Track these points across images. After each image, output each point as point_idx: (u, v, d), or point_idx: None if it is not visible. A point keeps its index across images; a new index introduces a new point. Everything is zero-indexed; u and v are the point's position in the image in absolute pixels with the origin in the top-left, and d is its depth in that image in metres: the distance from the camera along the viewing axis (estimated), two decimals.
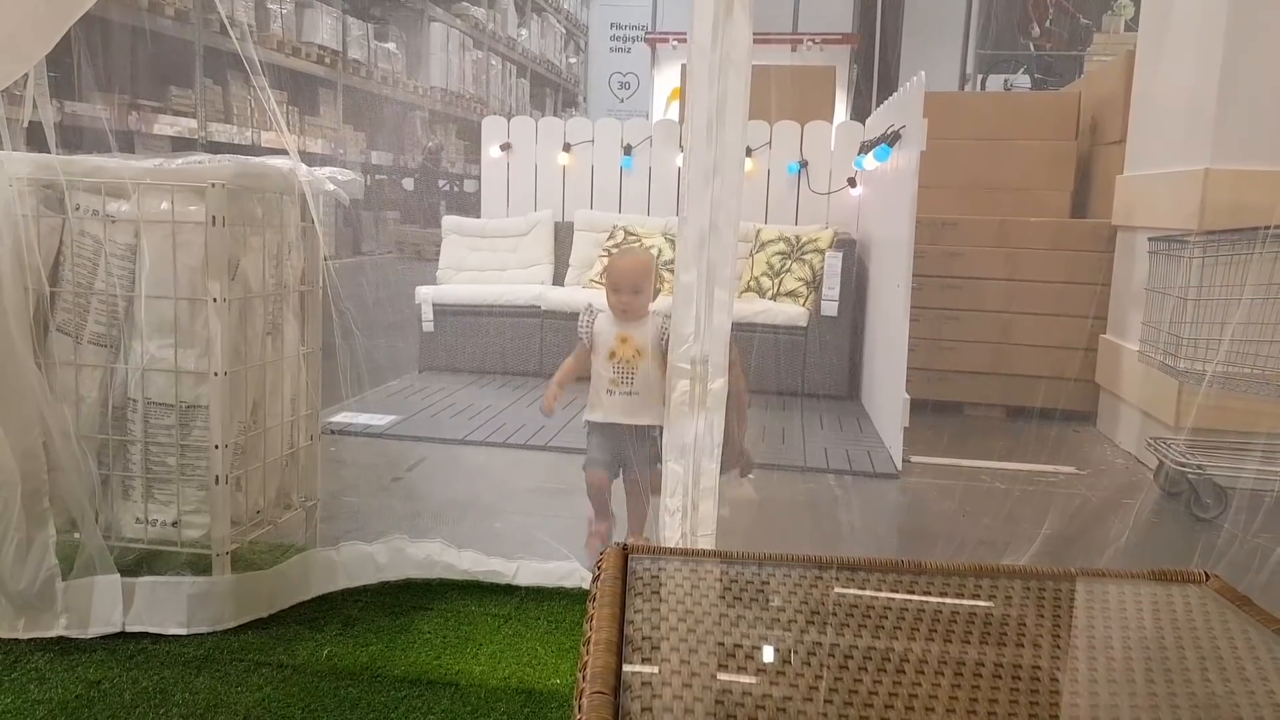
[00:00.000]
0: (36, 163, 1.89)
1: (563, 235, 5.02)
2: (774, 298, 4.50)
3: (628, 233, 4.86)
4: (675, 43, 8.14)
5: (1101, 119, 4.46)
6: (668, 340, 2.01)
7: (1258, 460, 2.90)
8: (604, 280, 2.37)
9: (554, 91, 10.16)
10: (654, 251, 4.79)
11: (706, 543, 1.89)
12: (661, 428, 1.99)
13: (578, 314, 2.36)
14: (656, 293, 2.36)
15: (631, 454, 2.29)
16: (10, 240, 1.85)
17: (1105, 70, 4.64)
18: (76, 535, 1.94)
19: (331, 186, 2.15)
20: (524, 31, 8.80)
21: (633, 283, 2.27)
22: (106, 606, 1.90)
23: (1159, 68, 3.68)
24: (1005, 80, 7.39)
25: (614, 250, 4.85)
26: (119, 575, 1.91)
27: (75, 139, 2.21)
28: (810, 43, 7.66)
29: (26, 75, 1.88)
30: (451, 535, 2.27)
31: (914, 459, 3.39)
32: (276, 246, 2.09)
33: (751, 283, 4.57)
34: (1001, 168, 4.40)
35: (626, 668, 0.79)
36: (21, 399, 1.84)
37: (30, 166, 1.88)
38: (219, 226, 1.87)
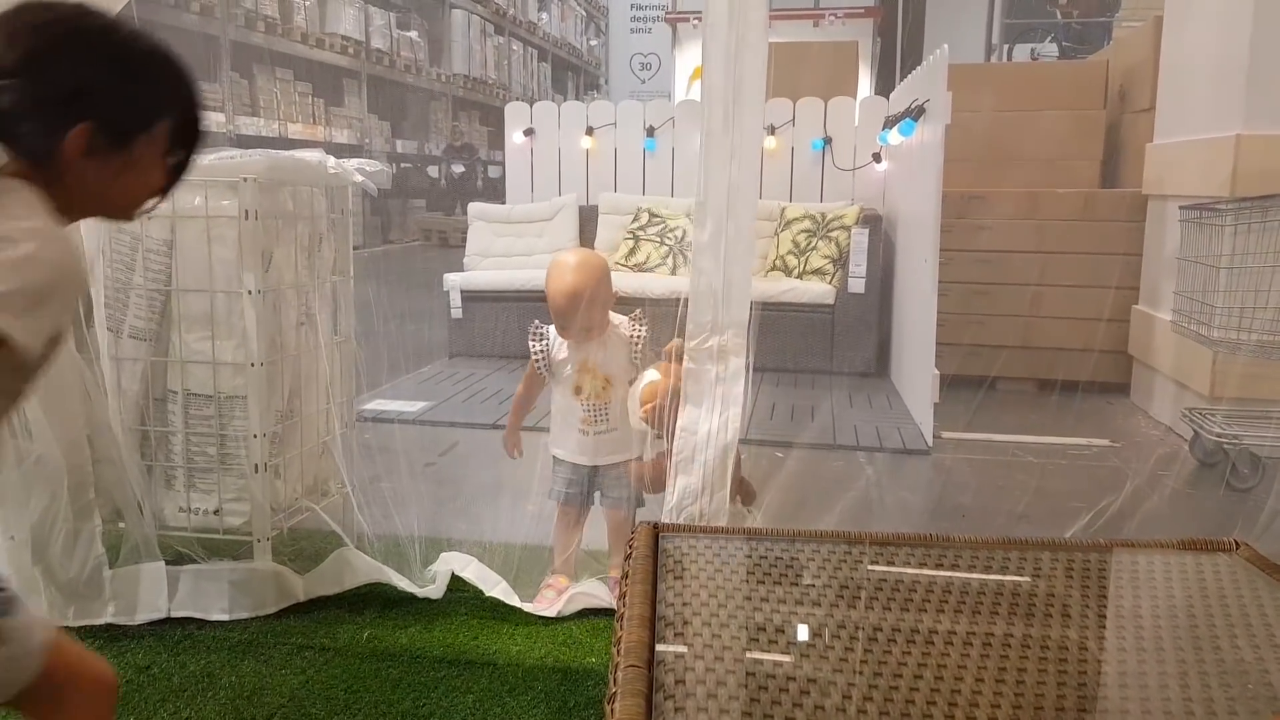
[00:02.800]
0: None
1: (588, 219, 5.04)
2: (800, 276, 4.49)
3: (652, 214, 4.86)
4: (696, 22, 8.08)
5: (1130, 86, 4.38)
6: (641, 348, 1.88)
7: None
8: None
9: (575, 74, 10.15)
10: (678, 233, 4.79)
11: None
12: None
13: None
14: (614, 297, 2.00)
15: (608, 481, 2.03)
16: None
17: (1134, 36, 4.55)
18: (121, 525, 2.00)
19: (360, 178, 2.18)
20: (544, 15, 8.79)
21: (576, 307, 1.90)
22: (152, 593, 1.95)
23: (1188, 32, 3.61)
24: (1032, 49, 7.28)
25: (638, 233, 4.85)
26: (164, 563, 1.96)
27: None
28: (832, 17, 7.57)
29: None
30: (484, 520, 2.30)
31: (945, 435, 3.37)
32: (308, 238, 2.13)
33: (777, 261, 4.56)
34: (1029, 138, 4.34)
35: (659, 645, 0.82)
36: (66, 393, 1.89)
37: None
38: (252, 220, 1.90)
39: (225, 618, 1.94)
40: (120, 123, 0.99)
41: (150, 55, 1.03)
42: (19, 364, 0.88)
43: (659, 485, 1.86)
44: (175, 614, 1.94)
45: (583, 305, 1.90)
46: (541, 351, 2.00)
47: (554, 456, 2.08)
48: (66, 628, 1.89)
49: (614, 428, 1.98)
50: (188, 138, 1.07)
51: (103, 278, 1.97)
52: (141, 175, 1.04)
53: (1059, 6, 7.31)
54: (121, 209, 1.08)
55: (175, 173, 1.08)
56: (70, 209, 0.99)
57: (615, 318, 2.00)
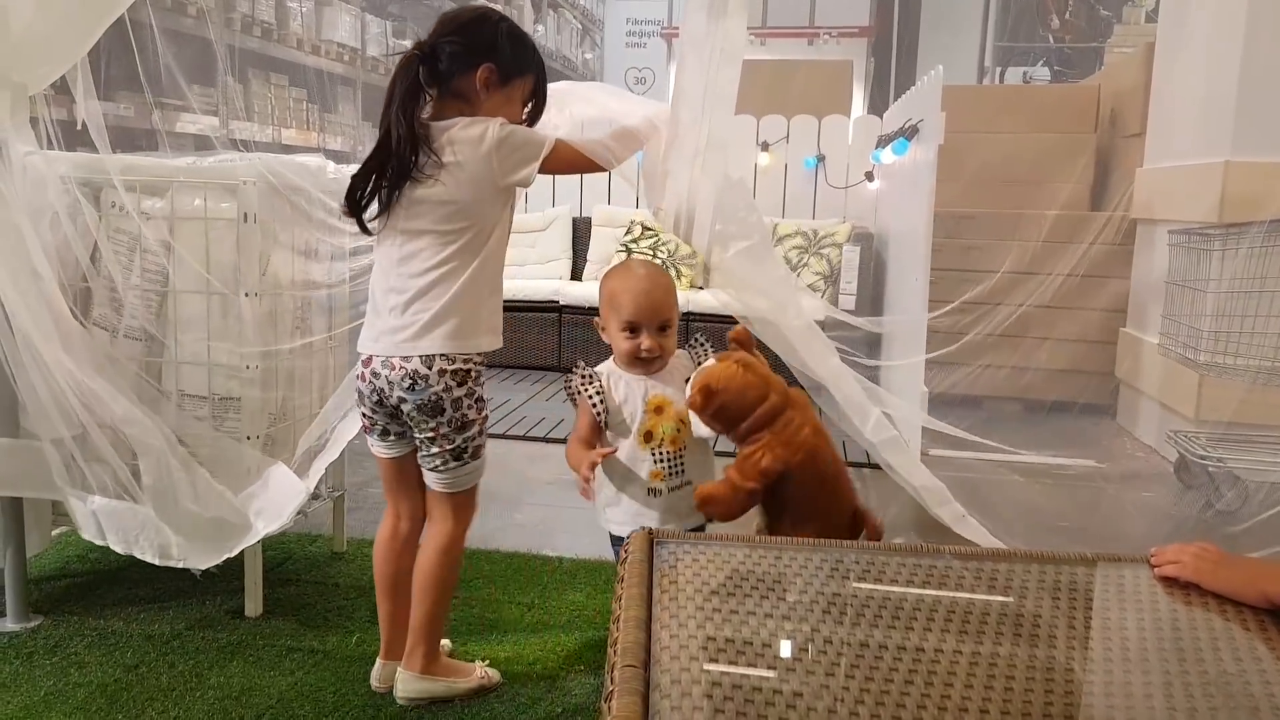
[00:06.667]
0: (75, 161, 1.94)
1: (581, 230, 5.06)
2: None
3: (645, 227, 4.89)
4: None
5: (1121, 111, 4.45)
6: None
7: (1278, 453, 2.90)
8: (605, 317, 1.67)
9: None
10: (670, 247, 4.82)
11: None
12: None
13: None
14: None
15: None
16: (49, 237, 1.90)
17: (1125, 62, 4.62)
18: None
19: None
20: (540, 27, 8.83)
21: (663, 316, 1.63)
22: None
23: (1179, 59, 3.67)
24: (1024, 73, 7.36)
25: (631, 247, 4.87)
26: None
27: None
28: (827, 36, 7.65)
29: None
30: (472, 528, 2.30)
31: (932, 452, 3.40)
32: (305, 242, 2.14)
33: None
34: (1020, 161, 4.40)
35: (655, 645, 0.83)
36: (49, 393, 1.86)
37: (68, 164, 1.93)
38: (250, 223, 1.91)
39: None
40: (507, 68, 1.58)
41: (523, 35, 1.62)
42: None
43: (728, 508, 1.52)
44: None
45: (673, 303, 1.65)
46: (593, 391, 1.63)
47: (613, 536, 1.69)
48: (55, 627, 1.86)
49: (690, 480, 1.63)
50: (539, 92, 1.65)
51: (101, 277, 1.98)
52: (513, 107, 1.61)
53: (1051, 31, 7.41)
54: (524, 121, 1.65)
55: (531, 115, 1.66)
56: None
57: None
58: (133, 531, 1.86)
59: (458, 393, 1.55)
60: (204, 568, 1.84)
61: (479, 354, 1.58)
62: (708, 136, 1.71)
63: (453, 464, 1.60)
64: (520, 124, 1.63)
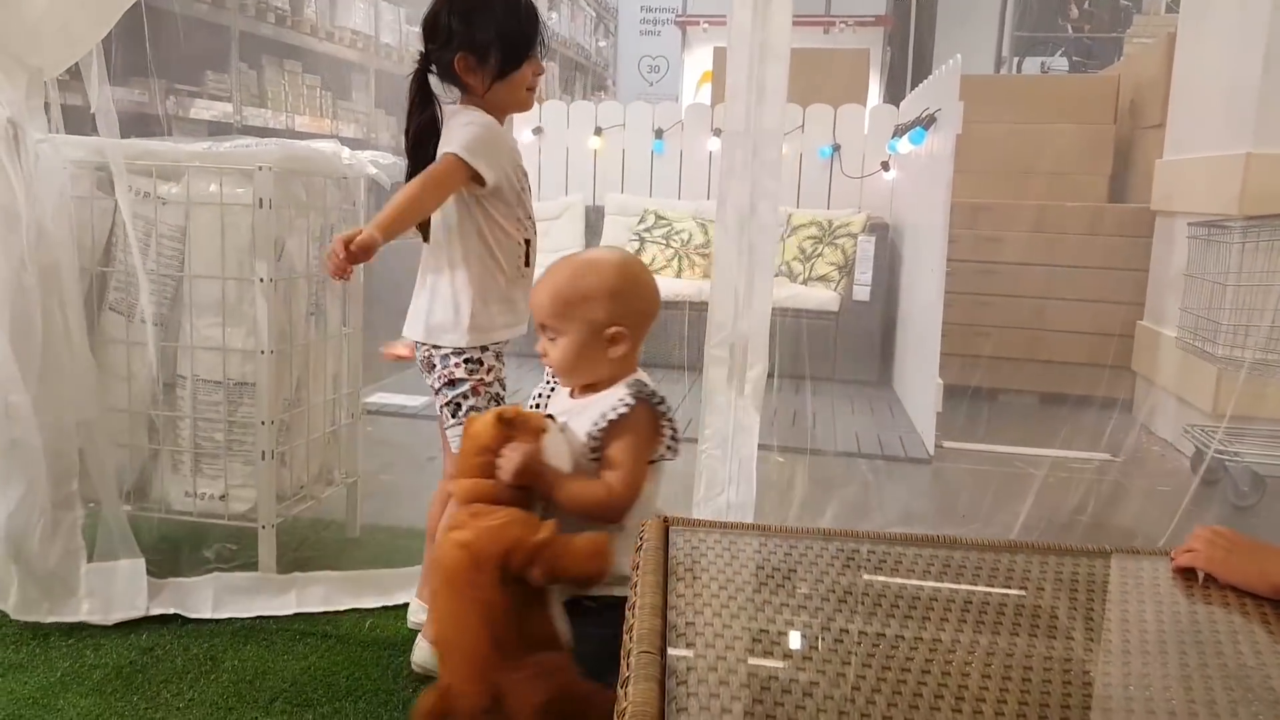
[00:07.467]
0: (90, 146, 1.94)
1: (594, 219, 5.05)
2: (805, 282, 4.50)
3: (658, 216, 4.88)
4: (706, 25, 8.10)
5: (1141, 102, 4.40)
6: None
7: None
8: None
9: (583, 75, 10.17)
10: (684, 236, 4.80)
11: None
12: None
13: None
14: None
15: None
16: (65, 222, 1.90)
17: (1145, 53, 4.57)
18: (128, 508, 1.99)
19: (374, 170, 2.19)
20: (554, 15, 8.80)
21: (540, 316, 1.37)
22: (130, 591, 1.86)
23: (1201, 50, 3.62)
24: (1042, 63, 7.29)
25: (644, 235, 4.85)
26: (144, 560, 1.89)
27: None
28: (843, 25, 7.60)
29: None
30: None
31: (946, 444, 3.38)
32: (320, 228, 2.14)
33: (783, 267, 4.57)
34: (1038, 151, 4.36)
35: (671, 632, 0.83)
36: (62, 378, 1.87)
37: (84, 150, 1.94)
38: (266, 209, 1.92)
39: (209, 615, 1.88)
40: (475, 49, 1.58)
41: (472, 7, 1.58)
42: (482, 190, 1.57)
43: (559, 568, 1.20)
44: (154, 612, 1.87)
45: (556, 316, 1.35)
46: (538, 397, 1.48)
47: (588, 602, 1.27)
48: (38, 624, 1.82)
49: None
50: (508, 47, 1.60)
51: (116, 261, 1.99)
52: (508, 81, 1.61)
53: (1070, 21, 7.34)
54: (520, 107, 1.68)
55: (502, 66, 1.61)
56: (499, 118, 1.64)
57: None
58: None
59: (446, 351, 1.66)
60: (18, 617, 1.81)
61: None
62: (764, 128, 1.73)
63: (450, 421, 1.67)
64: (517, 90, 1.63)
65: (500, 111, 1.65)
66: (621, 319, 1.31)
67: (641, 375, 1.33)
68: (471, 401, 1.67)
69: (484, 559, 1.14)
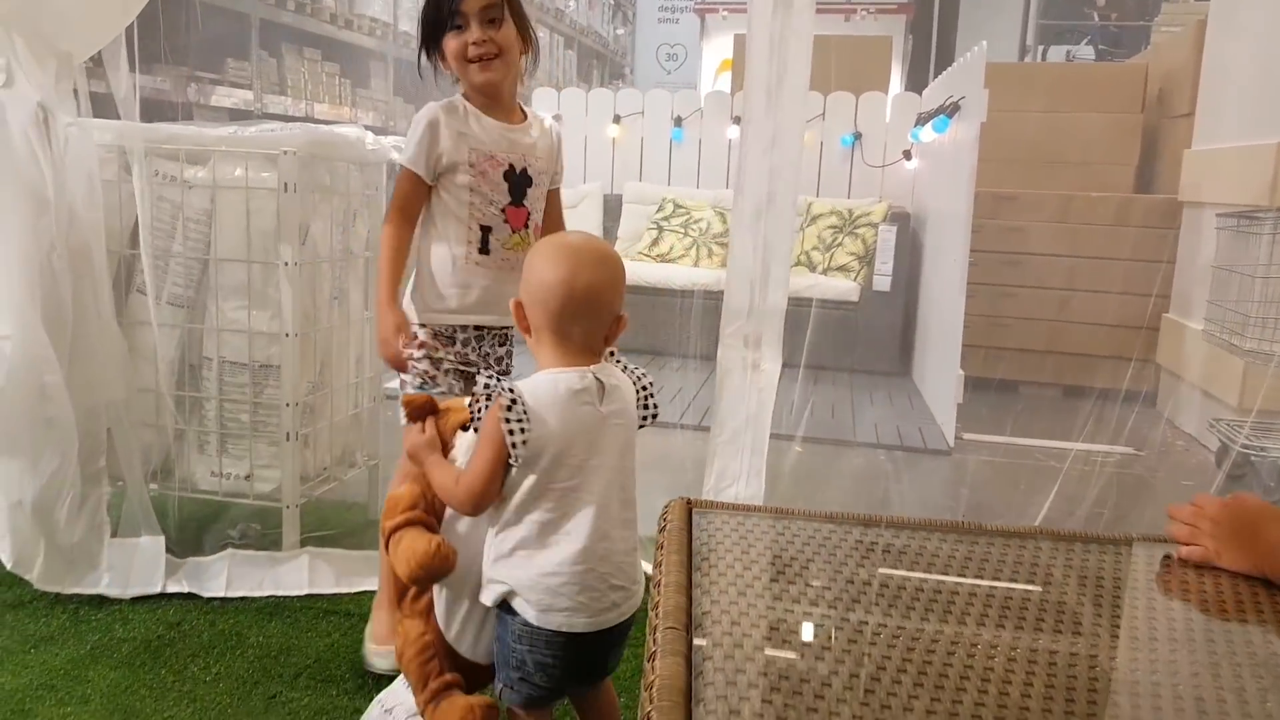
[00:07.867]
0: (118, 130, 1.96)
1: (612, 207, 5.05)
2: (825, 272, 4.48)
3: (677, 205, 4.87)
4: (725, 13, 8.06)
5: (1169, 91, 4.34)
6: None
7: None
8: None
9: (600, 63, 10.14)
10: (702, 224, 4.79)
11: None
12: None
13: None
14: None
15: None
16: (95, 205, 1.93)
17: (1174, 41, 4.50)
18: (153, 487, 2.02)
19: (396, 155, 2.19)
20: (572, 3, 8.78)
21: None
22: (149, 568, 1.91)
23: (1231, 38, 3.57)
24: (1068, 51, 7.20)
25: (662, 223, 4.84)
26: (163, 537, 1.95)
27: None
28: (864, 12, 7.54)
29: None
30: None
31: (967, 436, 3.37)
32: (343, 213, 2.15)
33: (802, 257, 4.55)
34: (1064, 141, 4.31)
35: (696, 610, 0.83)
36: (92, 359, 1.90)
37: (112, 134, 1.96)
38: (290, 193, 1.93)
39: (222, 594, 1.91)
40: (432, 42, 1.62)
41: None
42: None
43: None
44: (170, 590, 1.91)
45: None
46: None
47: (555, 637, 1.14)
48: (68, 598, 1.87)
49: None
50: (437, 24, 1.60)
51: (145, 244, 2.00)
52: (466, 64, 1.60)
53: (1097, 9, 7.24)
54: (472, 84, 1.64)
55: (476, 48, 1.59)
56: (474, 99, 1.65)
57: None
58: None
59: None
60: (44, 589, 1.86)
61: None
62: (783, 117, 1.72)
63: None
64: (459, 66, 1.61)
65: (475, 92, 1.64)
66: (527, 303, 1.18)
67: (548, 373, 1.15)
68: (407, 379, 1.63)
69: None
